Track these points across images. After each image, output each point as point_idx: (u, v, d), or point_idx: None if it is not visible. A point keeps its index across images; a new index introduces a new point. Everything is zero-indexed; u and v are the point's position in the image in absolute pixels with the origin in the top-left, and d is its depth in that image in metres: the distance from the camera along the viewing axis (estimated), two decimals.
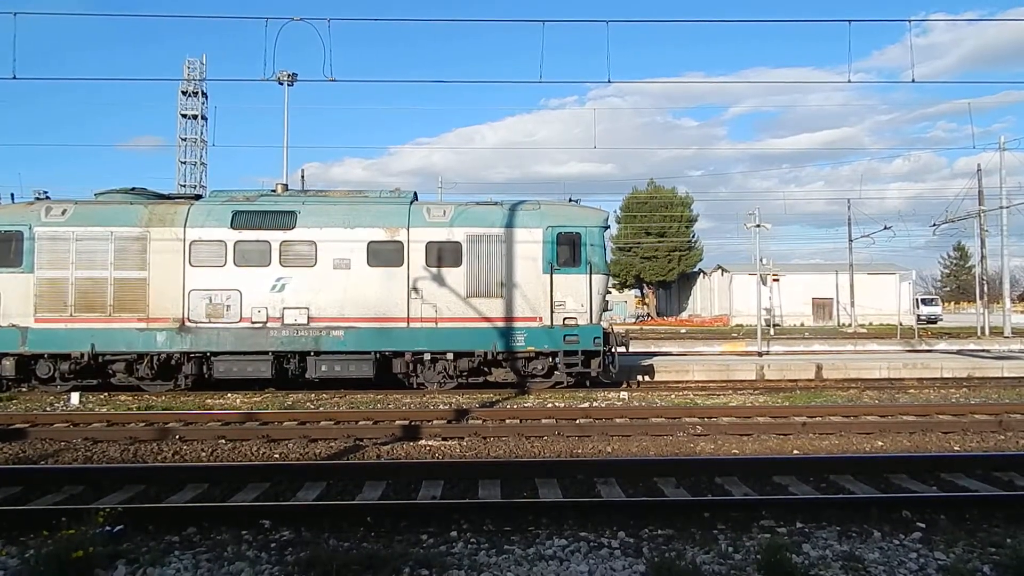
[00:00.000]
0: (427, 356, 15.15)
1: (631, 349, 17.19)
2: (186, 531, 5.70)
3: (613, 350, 15.57)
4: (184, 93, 56.13)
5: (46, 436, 10.17)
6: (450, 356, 15.13)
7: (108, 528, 5.29)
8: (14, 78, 12.87)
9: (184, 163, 57.01)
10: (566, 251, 15.34)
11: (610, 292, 18.73)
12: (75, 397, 13.78)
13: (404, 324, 15.05)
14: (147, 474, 7.76)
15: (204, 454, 9.34)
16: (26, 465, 8.74)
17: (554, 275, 15.21)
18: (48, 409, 13.09)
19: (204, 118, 56.80)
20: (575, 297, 15.25)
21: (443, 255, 15.21)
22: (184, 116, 56.73)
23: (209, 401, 14.11)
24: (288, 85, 32.30)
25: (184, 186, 54.24)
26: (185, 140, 57.04)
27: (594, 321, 15.29)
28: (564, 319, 15.18)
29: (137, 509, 6.09)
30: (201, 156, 57.40)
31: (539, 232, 15.34)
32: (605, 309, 16.10)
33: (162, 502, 6.84)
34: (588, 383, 15.83)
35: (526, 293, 15.20)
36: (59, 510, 5.83)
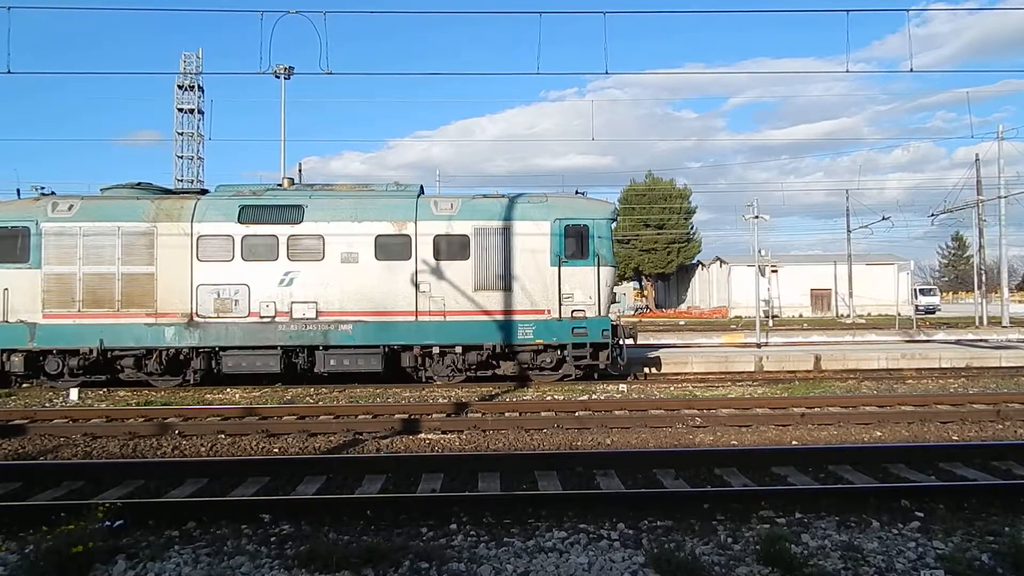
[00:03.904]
0: (436, 350, 15.17)
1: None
2: (186, 525, 5.70)
3: (621, 342, 15.60)
4: (180, 87, 55.72)
5: (45, 432, 10.18)
6: (459, 350, 15.14)
7: (108, 523, 5.29)
8: (8, 72, 12.83)
9: (181, 157, 56.67)
10: (574, 244, 15.33)
11: (618, 284, 18.76)
12: (74, 393, 13.78)
13: (412, 318, 15.04)
14: (147, 469, 7.76)
15: (203, 449, 9.34)
16: (26, 461, 8.74)
17: (562, 268, 15.20)
18: (47, 405, 13.09)
19: (201, 112, 56.42)
20: (583, 290, 15.25)
21: (451, 248, 15.20)
22: (181, 110, 56.37)
23: (208, 396, 14.11)
24: (285, 79, 32.20)
25: (181, 180, 53.93)
26: (182, 134, 56.70)
27: (602, 313, 15.30)
28: (572, 312, 15.19)
29: (137, 504, 6.09)
30: (198, 150, 57.07)
31: (546, 225, 15.33)
32: (613, 301, 16.10)
33: (162, 497, 6.85)
34: (596, 375, 15.86)
35: (534, 286, 15.20)
36: (59, 505, 5.83)
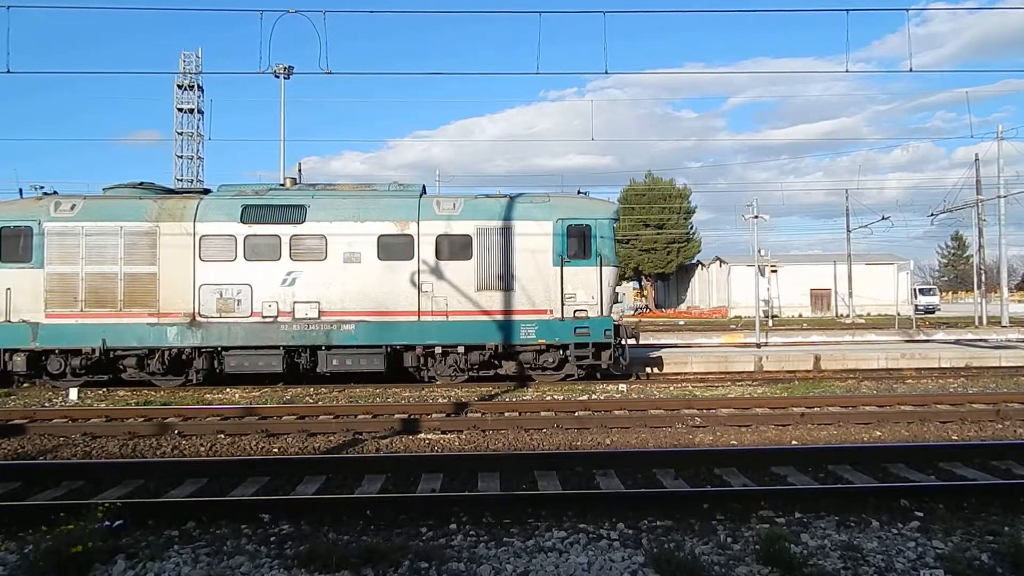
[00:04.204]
0: (438, 350, 15.18)
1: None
2: (185, 525, 5.70)
3: (623, 342, 15.61)
4: (180, 87, 55.76)
5: (45, 432, 10.17)
6: (461, 349, 15.15)
7: (107, 523, 5.29)
8: (8, 72, 12.84)
9: (181, 157, 56.67)
10: (576, 243, 15.35)
11: (620, 284, 18.77)
12: (73, 392, 13.77)
13: (415, 318, 15.05)
14: (146, 469, 7.76)
15: (203, 449, 9.34)
16: (25, 461, 8.74)
17: (564, 268, 15.21)
18: (47, 405, 13.08)
19: (200, 112, 56.45)
20: (586, 289, 15.26)
21: (453, 248, 15.22)
22: (180, 110, 56.38)
23: (208, 396, 14.11)
24: (284, 78, 32.20)
25: (181, 180, 53.94)
26: (182, 134, 56.70)
27: (604, 313, 15.32)
28: (575, 311, 15.21)
29: (136, 504, 6.09)
30: (198, 150, 57.10)
31: (549, 224, 15.34)
32: (615, 301, 16.09)
33: (161, 497, 6.84)
34: (599, 375, 15.87)
35: (537, 286, 15.21)
36: (58, 505, 5.83)
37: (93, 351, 14.69)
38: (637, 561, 4.87)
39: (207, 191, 16.57)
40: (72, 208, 15.01)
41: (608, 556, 4.96)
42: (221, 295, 14.85)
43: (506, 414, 11.28)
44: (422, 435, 9.88)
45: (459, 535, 5.46)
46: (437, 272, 15.13)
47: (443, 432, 9.99)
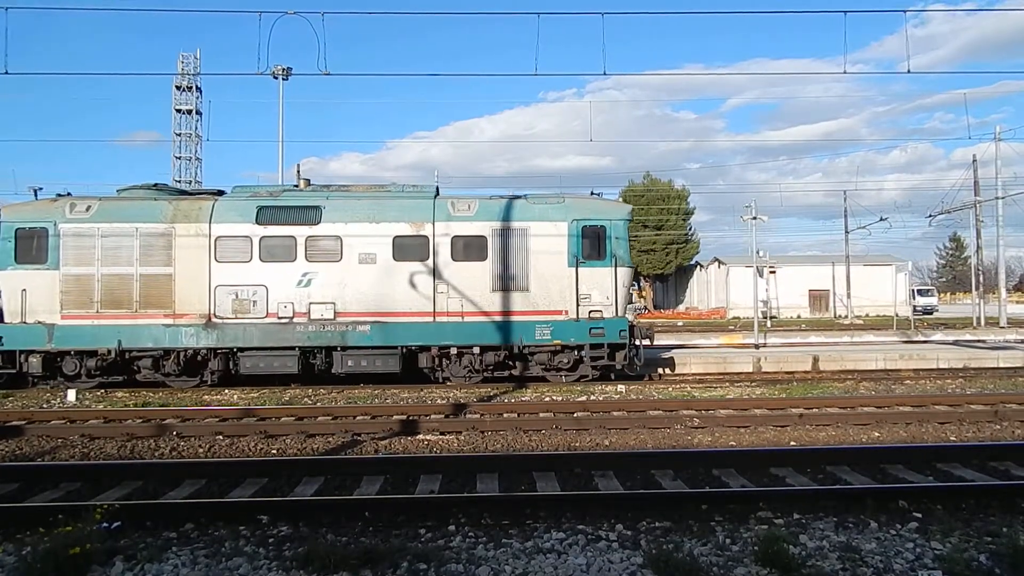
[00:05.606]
0: (453, 350, 15.21)
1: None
2: (184, 527, 5.69)
3: (638, 343, 15.62)
4: (178, 88, 55.77)
5: (43, 433, 10.17)
6: (476, 350, 15.18)
7: (105, 525, 5.29)
8: (6, 73, 12.82)
9: (179, 158, 56.68)
10: (591, 244, 15.40)
11: (634, 285, 18.82)
12: (71, 394, 13.76)
13: (430, 318, 15.08)
14: (144, 470, 7.75)
15: (201, 450, 9.33)
16: (23, 462, 8.72)
17: (579, 268, 15.26)
18: (45, 406, 13.06)
19: (199, 113, 56.47)
20: (600, 290, 15.31)
21: (468, 249, 15.27)
22: (179, 111, 56.38)
23: (206, 397, 14.10)
24: (283, 79, 32.23)
25: (179, 181, 53.89)
26: (180, 135, 56.70)
27: (619, 314, 15.37)
28: (590, 312, 15.25)
29: (135, 505, 6.09)
30: (196, 151, 57.12)
31: (564, 226, 15.39)
32: (629, 302, 16.13)
33: (160, 498, 6.84)
34: (613, 376, 15.90)
35: (551, 287, 15.26)
36: (56, 507, 5.82)
37: (109, 352, 14.71)
38: (636, 562, 4.87)
39: (221, 192, 16.51)
40: (87, 209, 15.04)
41: (607, 557, 4.96)
42: (237, 296, 14.89)
43: (505, 415, 11.28)
44: (421, 436, 9.88)
45: (458, 536, 5.46)
46: (452, 273, 15.17)
47: (442, 433, 9.99)
